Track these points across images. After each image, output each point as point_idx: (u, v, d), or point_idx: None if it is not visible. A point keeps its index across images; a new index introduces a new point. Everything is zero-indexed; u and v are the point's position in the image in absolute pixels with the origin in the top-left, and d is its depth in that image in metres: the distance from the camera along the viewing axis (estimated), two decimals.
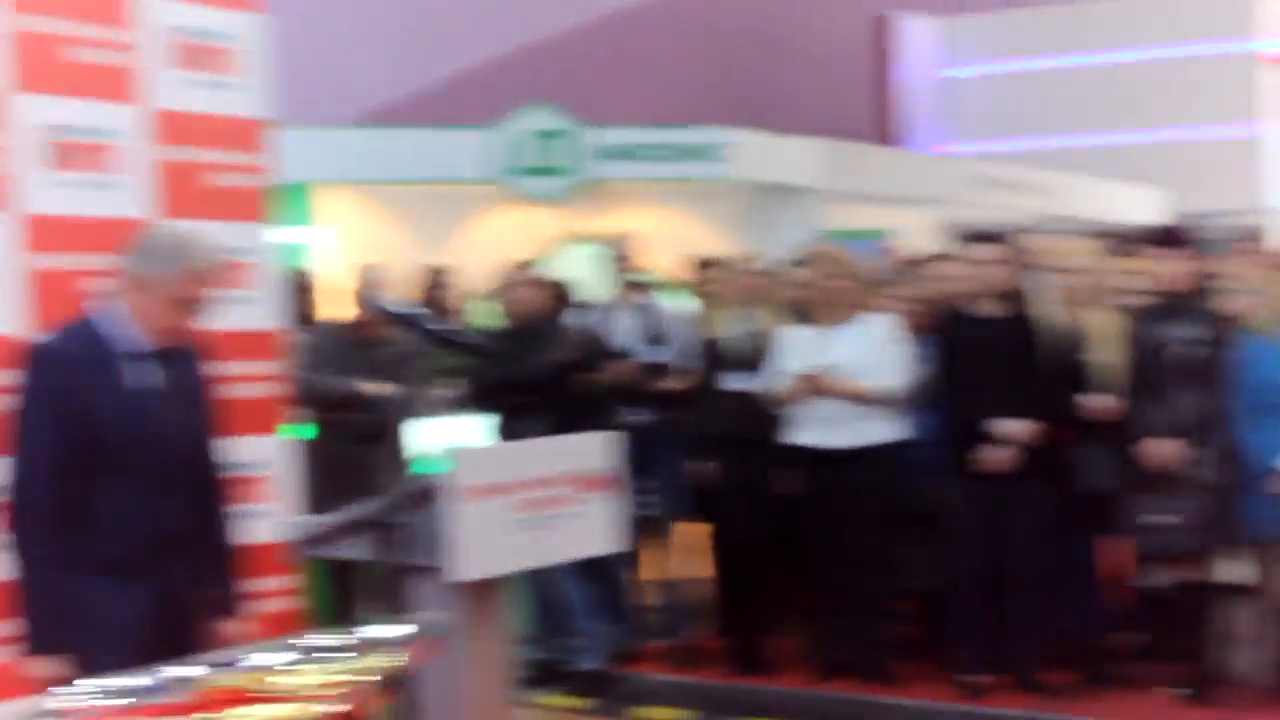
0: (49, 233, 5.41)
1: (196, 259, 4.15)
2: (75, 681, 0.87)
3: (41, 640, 3.88)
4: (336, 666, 0.87)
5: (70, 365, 4.07)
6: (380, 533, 2.73)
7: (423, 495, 2.97)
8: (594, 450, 3.25)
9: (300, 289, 8.23)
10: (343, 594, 6.61)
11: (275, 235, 6.62)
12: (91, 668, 3.68)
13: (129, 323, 4.13)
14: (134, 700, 0.87)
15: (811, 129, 13.50)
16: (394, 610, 3.50)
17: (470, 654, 3.02)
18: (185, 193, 5.88)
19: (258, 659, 0.90)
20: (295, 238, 10.89)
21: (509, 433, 7.26)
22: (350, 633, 0.93)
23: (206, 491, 4.24)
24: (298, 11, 12.41)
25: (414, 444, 6.68)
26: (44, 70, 5.44)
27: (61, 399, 4.03)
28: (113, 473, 4.03)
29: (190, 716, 0.79)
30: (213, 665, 0.89)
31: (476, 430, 7.83)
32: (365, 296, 6.67)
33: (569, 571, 7.28)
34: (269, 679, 0.85)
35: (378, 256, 9.67)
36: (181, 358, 4.33)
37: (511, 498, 3.02)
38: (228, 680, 0.87)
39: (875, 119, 20.05)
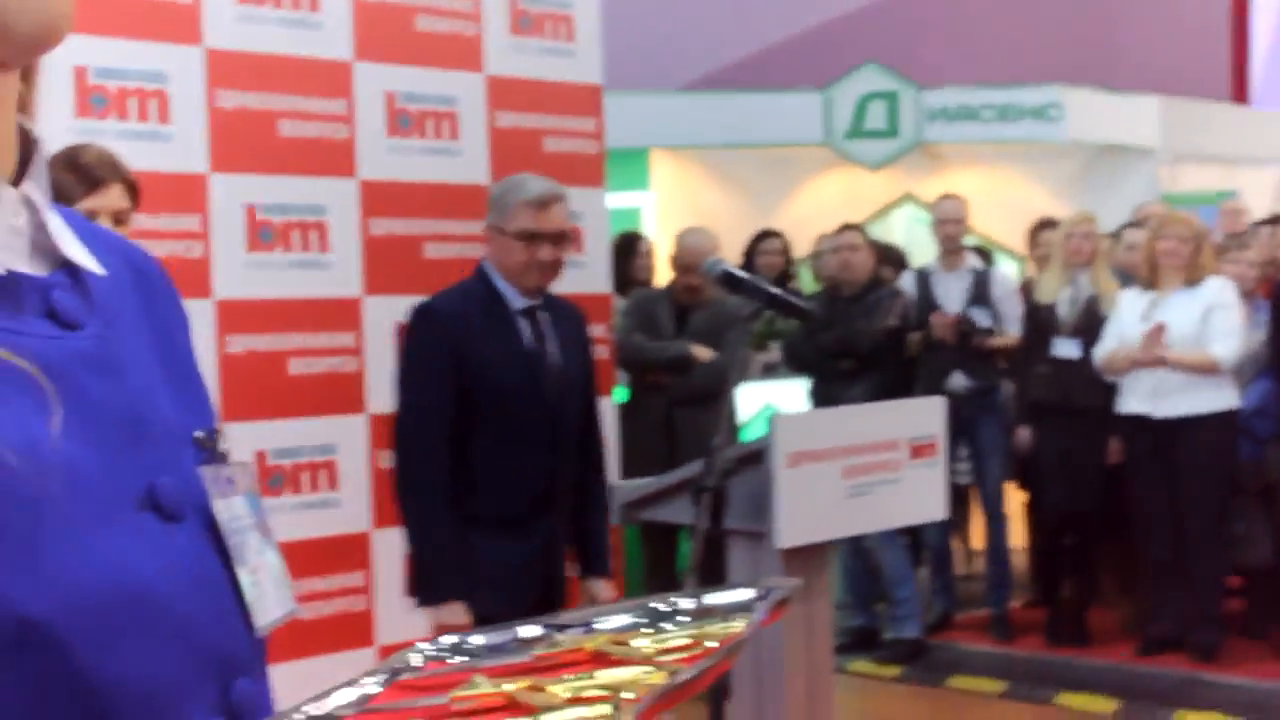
0: (389, 198, 5.62)
1: (527, 191, 4.21)
2: (444, 636, 0.92)
3: (435, 592, 4.02)
4: (682, 631, 0.89)
5: (456, 323, 4.16)
6: (703, 497, 2.76)
7: (747, 460, 2.98)
8: (919, 416, 3.22)
9: (635, 253, 8.36)
10: (661, 558, 6.71)
11: (611, 200, 6.75)
12: (477, 621, 3.87)
13: (503, 280, 4.22)
14: (480, 659, 0.91)
15: (1156, 86, 13.01)
16: (710, 576, 3.55)
17: (793, 621, 3.03)
18: (523, 158, 6.03)
19: (605, 621, 0.93)
20: (629, 203, 11.05)
21: (826, 398, 7.24)
22: (694, 597, 0.95)
23: (587, 449, 4.25)
24: None
25: (735, 408, 6.72)
26: (388, 39, 5.64)
27: (447, 356, 4.11)
28: (498, 429, 4.10)
29: (539, 677, 0.82)
30: (562, 626, 0.93)
31: (794, 395, 7.84)
32: (697, 259, 6.73)
33: (887, 537, 7.24)
34: (618, 642, 0.88)
35: (706, 221, 9.75)
36: (564, 315, 4.38)
37: (836, 463, 3.01)
38: (578, 642, 0.90)
39: (1228, 76, 19.23)
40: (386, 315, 5.59)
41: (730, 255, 9.44)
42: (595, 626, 1.02)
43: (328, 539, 5.40)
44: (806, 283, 10.63)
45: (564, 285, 6.00)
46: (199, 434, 1.07)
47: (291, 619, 1.08)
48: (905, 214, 12.41)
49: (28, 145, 1.01)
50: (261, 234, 5.24)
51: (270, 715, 0.88)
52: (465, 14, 5.89)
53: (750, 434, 7.29)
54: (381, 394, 5.54)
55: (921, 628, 7.47)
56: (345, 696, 0.92)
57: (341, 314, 5.48)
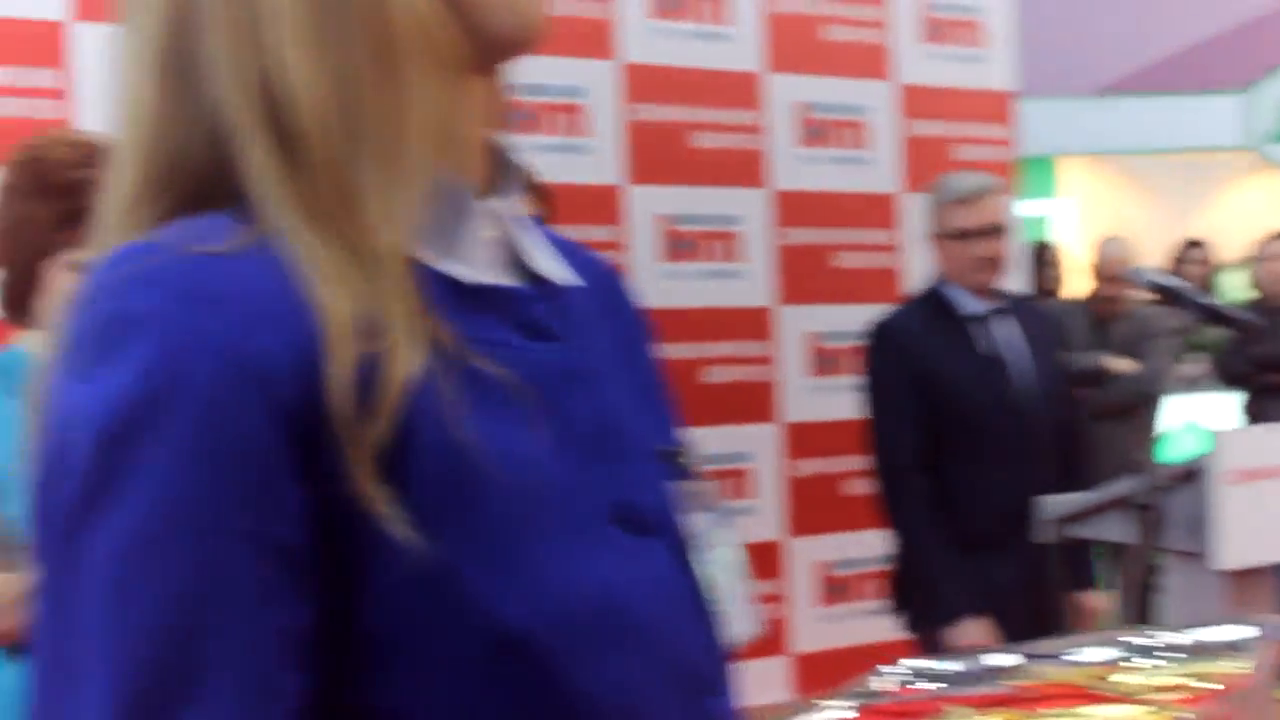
0: (800, 207, 5.62)
1: (954, 190, 4.10)
2: (909, 660, 0.88)
3: (949, 610, 3.93)
4: (1176, 668, 0.82)
5: (909, 339, 4.07)
6: (1135, 514, 2.63)
7: (1183, 477, 2.84)
8: None
9: (1044, 262, 8.15)
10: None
11: (1020, 208, 6.59)
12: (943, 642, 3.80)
13: (955, 286, 4.14)
14: (951, 686, 0.86)
15: None
16: (1139, 597, 3.40)
17: None
18: (933, 166, 5.94)
19: (1078, 654, 0.86)
20: (1039, 211, 10.80)
21: (1257, 413, 6.88)
22: (1176, 631, 0.88)
23: (1064, 459, 4.05)
24: None
25: (1161, 422, 6.45)
26: (797, 49, 5.64)
27: (910, 372, 4.02)
28: (966, 444, 3.98)
29: (1019, 709, 0.77)
30: (1033, 656, 0.87)
31: (1220, 410, 7.48)
32: (1123, 269, 6.48)
33: None
34: (1099, 676, 0.82)
35: (1118, 228, 9.43)
36: (1033, 319, 4.21)
37: (1277, 483, 2.84)
38: (1056, 674, 0.84)
39: None
40: (798, 324, 5.60)
41: (1148, 264, 9.12)
42: (1067, 658, 0.96)
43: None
44: (1230, 292, 10.16)
45: None
46: (667, 448, 1.06)
47: (756, 637, 1.06)
48: None
49: (503, 158, 1.01)
50: (676, 244, 5.31)
51: None
52: (874, 23, 5.85)
53: (1171, 449, 7.01)
54: (795, 403, 5.55)
55: None
56: (820, 717, 0.88)
57: (754, 323, 5.50)
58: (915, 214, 5.88)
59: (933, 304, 4.09)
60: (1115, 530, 2.75)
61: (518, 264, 1.01)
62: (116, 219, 0.93)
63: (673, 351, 5.27)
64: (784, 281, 5.56)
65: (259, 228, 0.89)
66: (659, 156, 5.28)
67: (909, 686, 0.95)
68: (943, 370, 3.97)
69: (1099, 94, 12.50)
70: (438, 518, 0.86)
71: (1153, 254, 9.09)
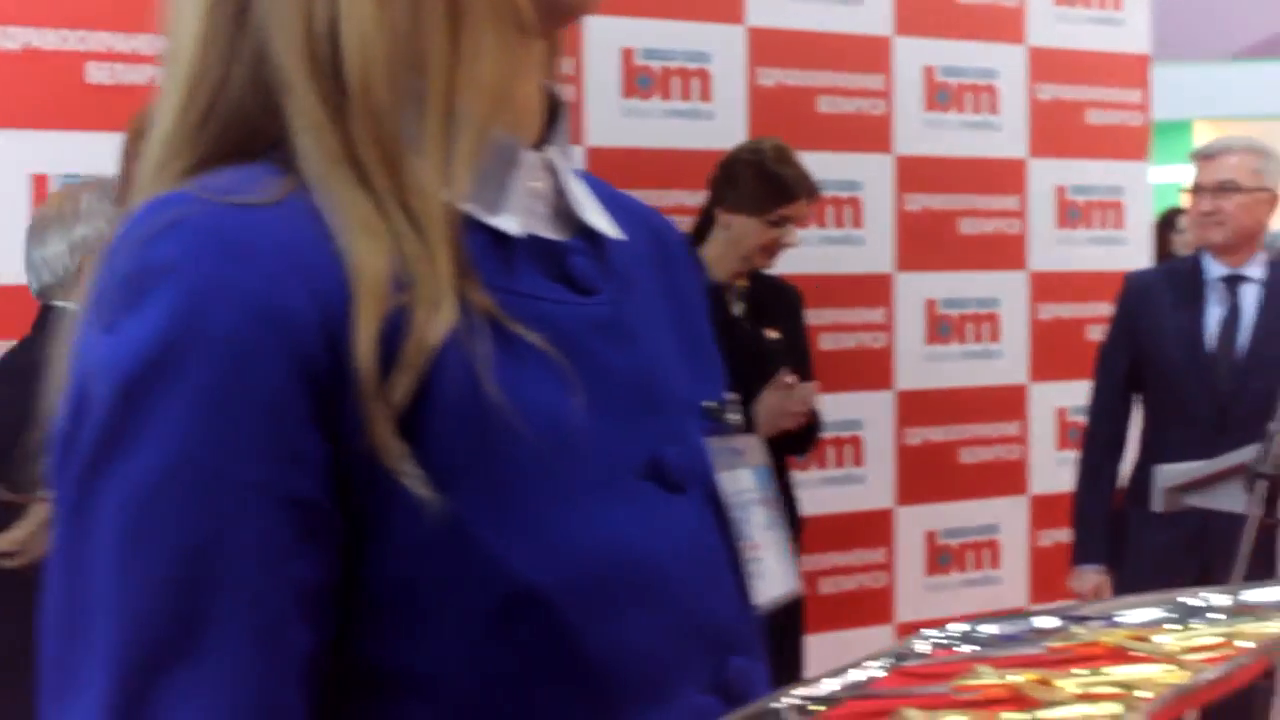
0: (925, 173, 5.58)
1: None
2: (954, 624, 0.88)
3: (1084, 555, 4.05)
4: (1214, 629, 0.82)
5: (1144, 294, 4.16)
6: (1257, 484, 2.60)
7: None
8: None
9: (1174, 229, 8.02)
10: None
11: (1155, 174, 6.49)
12: (1121, 590, 3.84)
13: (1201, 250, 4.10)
14: (991, 649, 0.87)
15: None
16: (1261, 570, 3.35)
17: None
18: (1064, 130, 5.87)
19: (1128, 615, 0.86)
20: (1175, 177, 10.61)
21: None
22: (1229, 592, 0.87)
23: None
24: None
25: None
26: (928, 13, 5.59)
27: (1128, 327, 4.13)
28: (1170, 402, 4.01)
29: (1048, 670, 0.77)
30: (1082, 618, 0.87)
31: None
32: (1272, 234, 6.36)
33: None
34: (1139, 637, 0.81)
35: None
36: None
37: None
38: (1096, 635, 0.84)
39: None
40: (918, 292, 5.57)
41: None
42: (1117, 619, 0.95)
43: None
44: None
45: (1099, 260, 5.86)
46: (709, 404, 1.05)
47: (792, 596, 1.05)
48: None
49: (555, 110, 1.02)
50: None
51: (766, 694, 0.86)
52: None
53: None
54: (911, 370, 5.54)
55: None
56: (847, 678, 0.89)
57: (875, 289, 5.48)
58: (1041, 179, 5.83)
59: (1186, 265, 4.10)
60: (1234, 500, 2.72)
61: (565, 215, 1.01)
62: (154, 167, 0.93)
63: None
64: (905, 248, 5.53)
65: (296, 179, 0.89)
66: (785, 122, 5.26)
67: (949, 649, 0.95)
68: (1160, 329, 4.02)
69: (1235, 58, 12.25)
70: (456, 474, 0.86)
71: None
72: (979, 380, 5.73)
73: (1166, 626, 0.94)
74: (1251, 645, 0.86)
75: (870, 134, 5.47)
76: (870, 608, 5.52)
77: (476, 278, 0.91)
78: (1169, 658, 0.87)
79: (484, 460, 0.88)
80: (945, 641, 0.96)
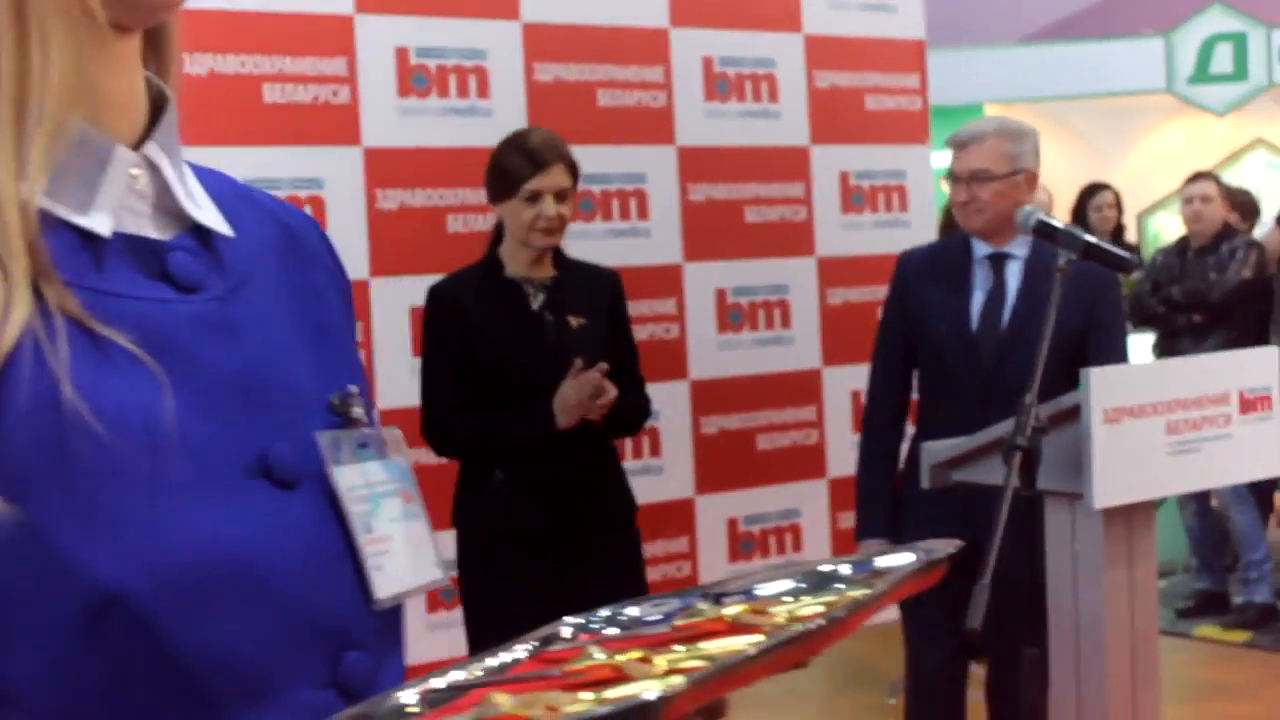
0: (708, 163, 5.62)
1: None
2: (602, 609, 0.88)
3: (868, 530, 4.05)
4: (826, 597, 0.83)
5: (915, 273, 4.15)
6: (1012, 456, 2.64)
7: (1062, 417, 2.86)
8: (1251, 367, 3.02)
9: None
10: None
11: (943, 158, 6.58)
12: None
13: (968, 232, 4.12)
14: (631, 630, 0.87)
15: None
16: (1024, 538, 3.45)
17: (1116, 586, 2.90)
18: (844, 117, 5.95)
19: (766, 588, 0.87)
20: None
21: (1173, 354, 6.94)
22: (863, 561, 0.88)
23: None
24: None
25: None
26: (703, 3, 5.62)
27: (901, 305, 4.12)
28: (940, 378, 4.03)
29: (657, 648, 0.77)
30: (721, 595, 0.87)
31: (1138, 351, 7.54)
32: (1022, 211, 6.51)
33: (1239, 498, 6.91)
34: (758, 610, 0.82)
35: (1043, 176, 9.45)
36: (1041, 267, 3.97)
37: (1158, 419, 2.86)
38: (719, 610, 0.84)
39: None
40: (707, 281, 5.60)
41: (1066, 210, 9.17)
42: (756, 593, 0.96)
43: None
44: (1153, 236, 10.23)
45: (885, 243, 5.94)
46: (333, 397, 1.03)
47: (434, 588, 1.04)
48: (1256, 160, 11.80)
49: (156, 106, 1.01)
50: (581, 204, 5.29)
51: (389, 688, 0.85)
52: None
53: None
54: (702, 362, 5.56)
55: (1273, 592, 7.11)
56: (486, 663, 0.88)
57: (664, 280, 5.50)
58: (825, 166, 5.90)
59: (955, 245, 4.12)
60: (995, 474, 2.77)
61: (173, 212, 1.00)
62: None
63: None
64: (691, 239, 5.56)
65: None
66: (564, 116, 5.25)
67: (590, 632, 0.95)
68: (927, 311, 4.05)
69: (1023, 41, 12.54)
70: (32, 481, 0.84)
71: (1071, 199, 9.13)
72: (773, 367, 5.78)
73: (787, 599, 0.94)
74: (840, 612, 0.87)
75: (652, 126, 5.49)
76: None
77: (57, 277, 0.89)
78: (776, 628, 0.87)
79: (63, 465, 0.85)
80: (587, 625, 0.97)
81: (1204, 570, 7.27)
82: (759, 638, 0.83)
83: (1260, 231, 7.58)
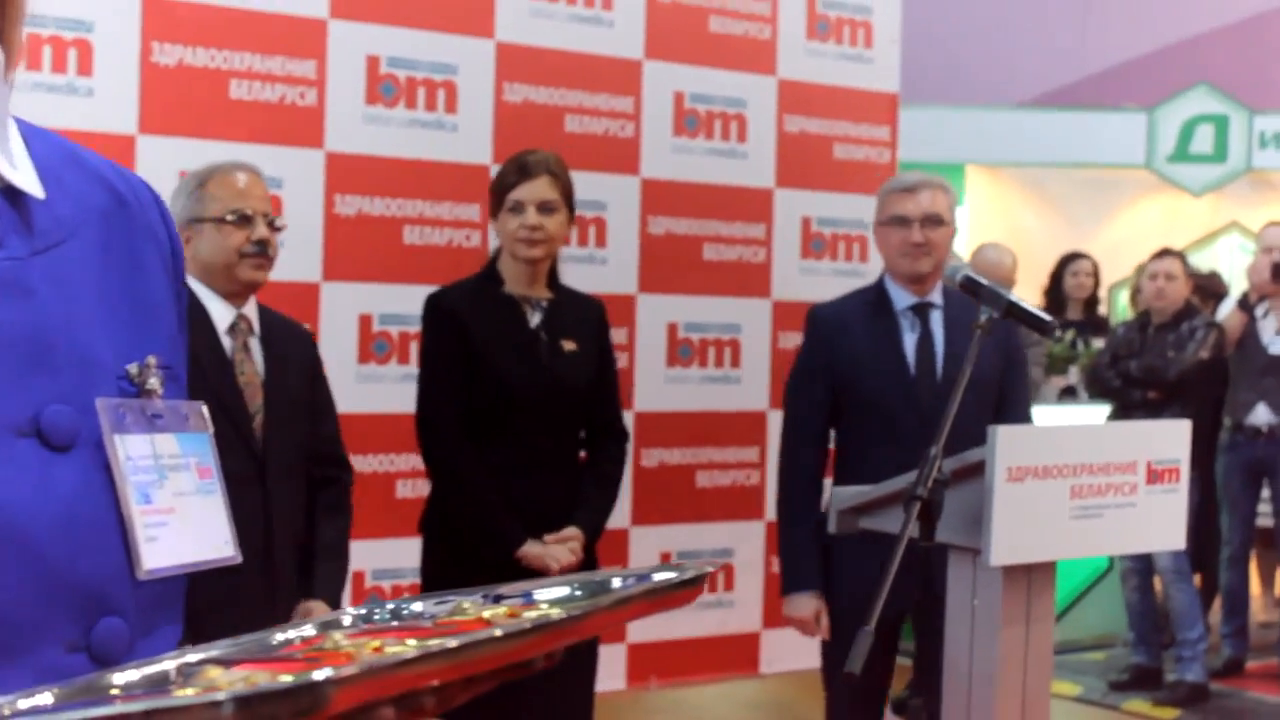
0: (670, 197, 5.64)
1: (894, 181, 4.17)
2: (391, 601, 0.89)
3: (798, 583, 4.03)
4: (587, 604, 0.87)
5: (839, 325, 4.12)
6: (910, 506, 2.66)
7: (968, 472, 2.87)
8: (1161, 439, 3.04)
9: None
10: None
11: None
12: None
13: (892, 279, 4.12)
14: (399, 623, 0.89)
15: None
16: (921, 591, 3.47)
17: (1011, 645, 2.91)
18: (811, 163, 5.98)
19: (545, 592, 0.88)
20: None
21: None
22: (642, 574, 0.89)
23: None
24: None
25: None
26: (680, 39, 5.65)
27: (824, 358, 4.08)
28: (876, 425, 4.02)
29: (393, 639, 0.79)
30: (499, 597, 0.88)
31: (1092, 422, 7.57)
32: (995, 275, 6.55)
33: (1179, 575, 6.93)
34: (514, 613, 0.83)
35: (1019, 240, 9.51)
36: (962, 315, 4.05)
37: (1063, 482, 2.87)
38: (480, 610, 0.86)
39: None
40: (660, 314, 5.62)
41: (1040, 277, 9.22)
42: (535, 596, 0.98)
43: None
44: (1121, 309, 10.28)
45: (842, 291, 5.95)
46: (130, 368, 1.03)
47: (222, 564, 1.03)
48: (1230, 243, 11.87)
49: None
50: None
51: (150, 657, 0.85)
52: (761, 17, 5.87)
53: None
54: (648, 394, 5.57)
55: (1206, 672, 7.12)
56: (264, 639, 0.90)
57: (617, 310, 5.50)
58: (788, 209, 5.93)
59: (871, 295, 4.14)
60: (895, 522, 2.78)
61: None
62: None
63: None
64: (648, 270, 5.58)
65: None
66: (531, 138, 5.26)
67: (369, 621, 0.97)
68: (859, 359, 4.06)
69: (1019, 106, 12.62)
70: None
71: (1051, 267, 9.17)
72: (719, 405, 5.80)
73: (547, 605, 0.96)
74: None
75: (617, 155, 5.51)
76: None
77: None
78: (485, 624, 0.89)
79: None
80: (369, 616, 0.98)
81: (1140, 645, 7.28)
82: (476, 635, 0.85)
83: (1222, 313, 7.61)
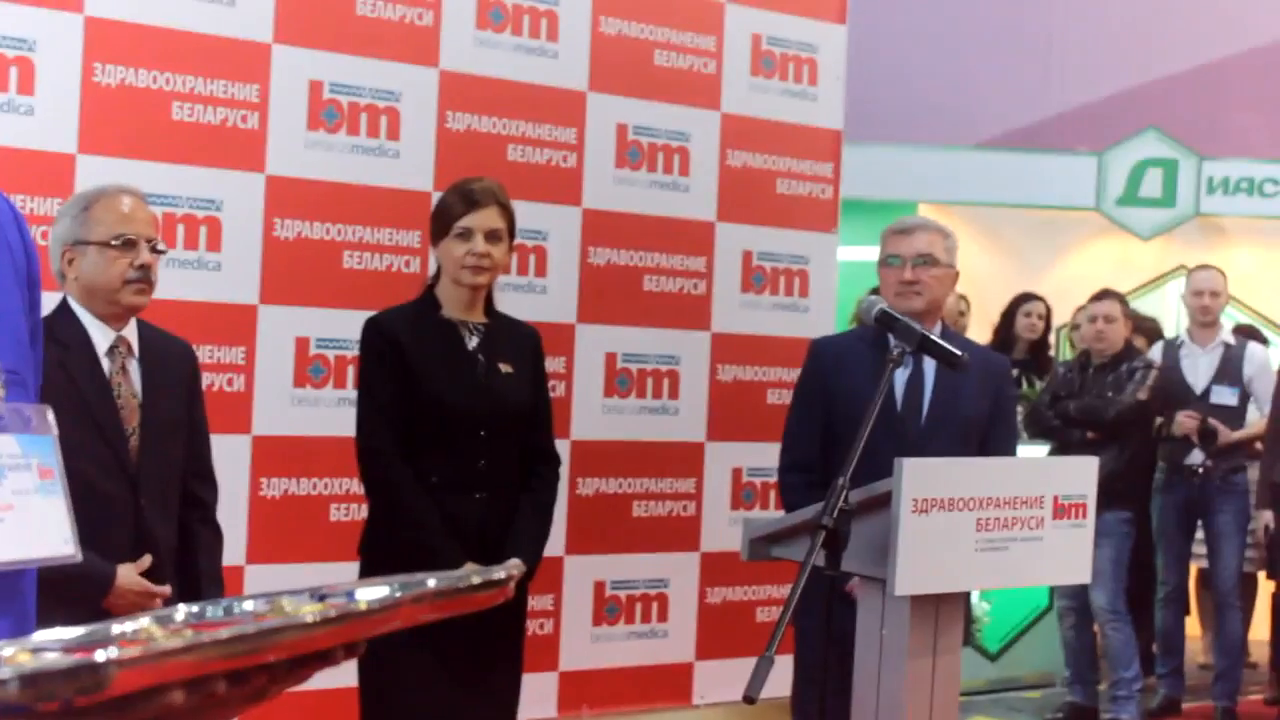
0: (611, 227, 5.67)
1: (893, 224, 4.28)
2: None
3: None
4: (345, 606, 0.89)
5: (837, 358, 4.23)
6: (817, 535, 2.69)
7: (874, 502, 2.91)
8: (1069, 475, 3.09)
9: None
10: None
11: (846, 249, 6.68)
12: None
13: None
14: (226, 616, 0.93)
15: None
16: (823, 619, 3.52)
17: (918, 674, 2.94)
18: (752, 197, 6.02)
19: (366, 592, 0.91)
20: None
21: None
22: (460, 577, 0.92)
23: None
24: (923, 36, 12.53)
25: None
26: (624, 72, 5.70)
27: (822, 388, 4.19)
28: (861, 458, 4.10)
29: (205, 632, 0.84)
30: (323, 595, 0.91)
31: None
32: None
33: (1116, 615, 6.98)
34: (329, 608, 0.87)
35: (968, 280, 9.56)
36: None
37: (969, 514, 2.91)
38: (299, 606, 0.89)
39: None
40: (598, 344, 5.64)
41: (991, 316, 9.28)
42: (356, 595, 1.00)
43: None
44: (1065, 350, 10.35)
45: (782, 326, 6.02)
46: None
47: (62, 563, 1.06)
48: (1178, 287, 11.96)
49: None
50: None
51: None
52: (705, 51, 5.92)
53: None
54: (585, 423, 5.59)
55: (1140, 713, 7.17)
56: (115, 628, 0.92)
57: (556, 338, 5.53)
58: (729, 243, 5.97)
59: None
60: (802, 551, 2.81)
61: None
62: None
63: None
64: (586, 300, 5.61)
65: None
66: (472, 166, 5.29)
67: (204, 617, 0.99)
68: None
69: (977, 146, 12.71)
70: None
71: (1000, 307, 9.23)
72: (656, 435, 5.82)
73: (362, 601, 0.98)
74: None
75: (559, 185, 5.55)
76: (536, 656, 5.53)
77: None
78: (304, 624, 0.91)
79: None
80: (203, 613, 1.00)
81: (1076, 684, 7.32)
82: (245, 628, 0.88)
83: (1152, 353, 7.68)
